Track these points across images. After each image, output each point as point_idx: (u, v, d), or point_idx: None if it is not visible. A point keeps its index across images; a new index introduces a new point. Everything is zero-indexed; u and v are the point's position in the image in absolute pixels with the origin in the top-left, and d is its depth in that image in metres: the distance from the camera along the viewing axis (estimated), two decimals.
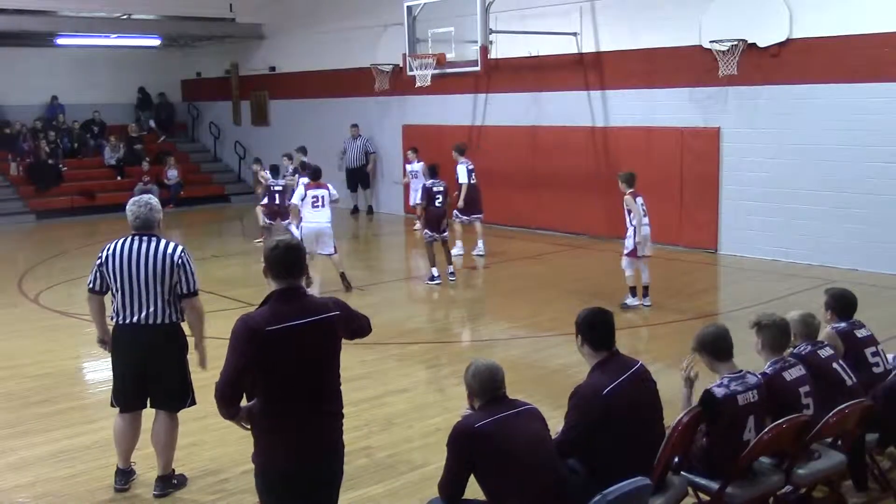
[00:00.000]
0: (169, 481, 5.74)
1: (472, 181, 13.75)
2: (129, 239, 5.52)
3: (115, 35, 21.23)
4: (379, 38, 18.24)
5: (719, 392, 4.56)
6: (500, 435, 4.02)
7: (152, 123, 24.30)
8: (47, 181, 20.31)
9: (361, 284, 12.08)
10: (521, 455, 4.01)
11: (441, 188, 12.21)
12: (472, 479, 4.06)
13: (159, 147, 23.27)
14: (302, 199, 11.70)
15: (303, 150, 16.41)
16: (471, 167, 13.81)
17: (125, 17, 20.45)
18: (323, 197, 11.67)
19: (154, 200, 5.66)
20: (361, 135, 19.47)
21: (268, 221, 14.45)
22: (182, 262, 5.51)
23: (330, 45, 19.79)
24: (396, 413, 7.10)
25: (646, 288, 10.30)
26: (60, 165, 20.92)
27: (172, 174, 21.41)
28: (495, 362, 4.28)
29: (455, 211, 13.55)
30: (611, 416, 4.27)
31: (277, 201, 14.33)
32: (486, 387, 4.18)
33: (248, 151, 22.57)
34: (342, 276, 11.69)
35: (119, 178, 21.42)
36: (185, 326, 5.70)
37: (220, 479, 5.91)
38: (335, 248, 11.75)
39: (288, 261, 3.97)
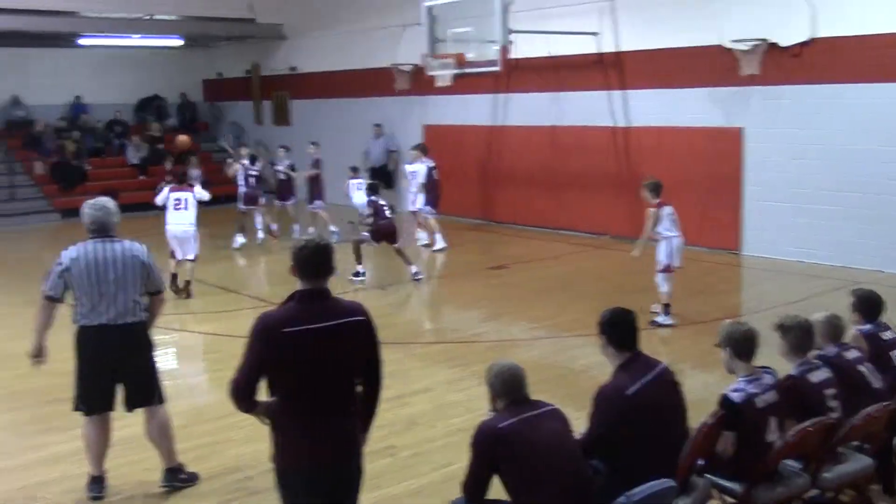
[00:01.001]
0: (175, 473, 5.79)
1: (434, 178, 14.77)
2: (90, 243, 5.54)
3: (137, 35, 21.41)
4: (399, 37, 18.26)
5: (737, 397, 4.53)
6: (523, 435, 4.02)
7: (170, 123, 24.47)
8: (71, 180, 20.48)
9: (383, 284, 12.11)
10: (545, 455, 4.01)
11: (385, 202, 12.52)
12: (495, 479, 4.06)
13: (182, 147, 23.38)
14: (165, 201, 11.67)
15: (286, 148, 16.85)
16: (431, 165, 14.74)
17: (147, 17, 20.58)
18: (186, 199, 11.58)
19: (111, 203, 5.71)
20: (384, 134, 19.51)
21: (243, 207, 15.54)
22: (149, 261, 5.64)
23: (350, 45, 19.83)
24: (419, 413, 7.12)
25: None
26: (84, 165, 21.09)
27: (195, 174, 21.48)
28: (516, 363, 4.29)
29: (426, 206, 14.62)
30: (634, 417, 4.26)
31: (252, 185, 15.54)
32: (509, 388, 4.18)
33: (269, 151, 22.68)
34: (187, 283, 11.52)
35: (142, 177, 21.57)
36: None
37: (244, 476, 5.94)
38: (196, 255, 11.65)
39: (315, 261, 3.95)
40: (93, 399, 5.61)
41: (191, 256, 11.50)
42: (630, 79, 14.89)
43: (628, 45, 14.77)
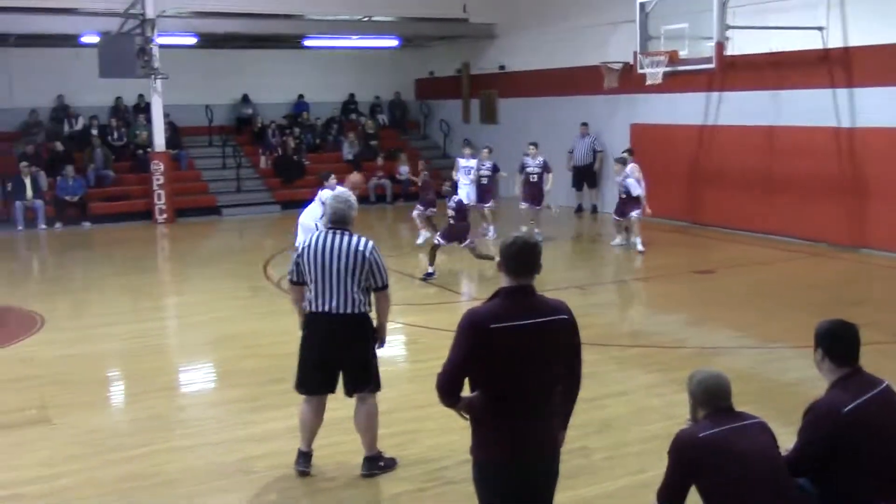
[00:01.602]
0: (375, 462, 5.97)
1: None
2: (325, 233, 5.81)
3: (357, 36, 22.41)
4: (609, 35, 18.04)
5: None
6: (724, 446, 3.89)
7: (383, 120, 25.40)
8: (292, 174, 21.74)
9: (583, 284, 12.01)
10: (747, 468, 3.86)
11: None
12: (692, 490, 3.94)
13: (393, 144, 24.29)
14: None
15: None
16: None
17: (366, 19, 21.51)
18: None
19: (352, 197, 5.95)
20: (590, 133, 19.36)
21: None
22: (372, 257, 5.73)
23: (559, 44, 19.79)
24: (614, 416, 7.00)
25: None
26: (304, 160, 22.34)
27: (404, 170, 22.25)
28: (721, 372, 4.13)
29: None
30: (850, 437, 4.00)
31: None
32: (712, 397, 4.05)
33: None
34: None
35: (355, 171, 22.54)
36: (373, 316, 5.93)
37: (440, 466, 6.06)
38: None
39: (521, 258, 3.95)
40: (310, 382, 5.92)
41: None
42: (858, 76, 13.90)
43: (858, 39, 13.80)
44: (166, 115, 20.02)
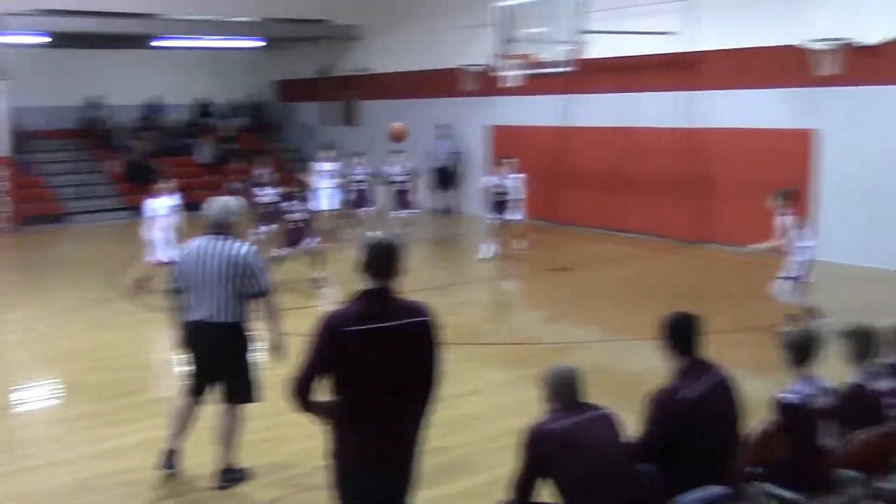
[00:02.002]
0: (229, 473, 5.82)
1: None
2: (202, 239, 5.64)
3: (213, 37, 21.85)
4: (469, 38, 18.24)
5: (791, 398, 4.44)
6: (574, 438, 4.00)
7: (242, 123, 24.90)
8: (143, 178, 20.96)
9: (443, 284, 12.10)
10: (596, 459, 3.98)
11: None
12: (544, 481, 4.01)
13: (253, 147, 23.79)
14: None
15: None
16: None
17: (224, 19, 20.99)
18: None
19: (233, 203, 5.78)
20: (448, 136, 19.55)
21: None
22: (248, 262, 5.55)
23: (421, 46, 19.92)
24: (471, 414, 7.09)
25: (811, 310, 9.15)
26: (155, 164, 21.57)
27: (261, 172, 21.77)
28: (574, 366, 4.23)
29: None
30: (690, 422, 4.21)
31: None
32: (563, 390, 4.16)
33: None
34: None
35: (212, 176, 21.97)
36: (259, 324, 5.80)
37: (299, 472, 5.99)
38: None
39: (380, 260, 3.94)
40: (193, 385, 5.78)
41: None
42: (704, 79, 14.60)
43: (704, 45, 14.47)
44: (13, 118, 18.99)
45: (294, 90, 25.54)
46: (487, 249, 13.89)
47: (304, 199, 12.64)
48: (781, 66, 13.22)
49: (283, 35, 22.60)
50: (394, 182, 15.22)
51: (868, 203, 12.52)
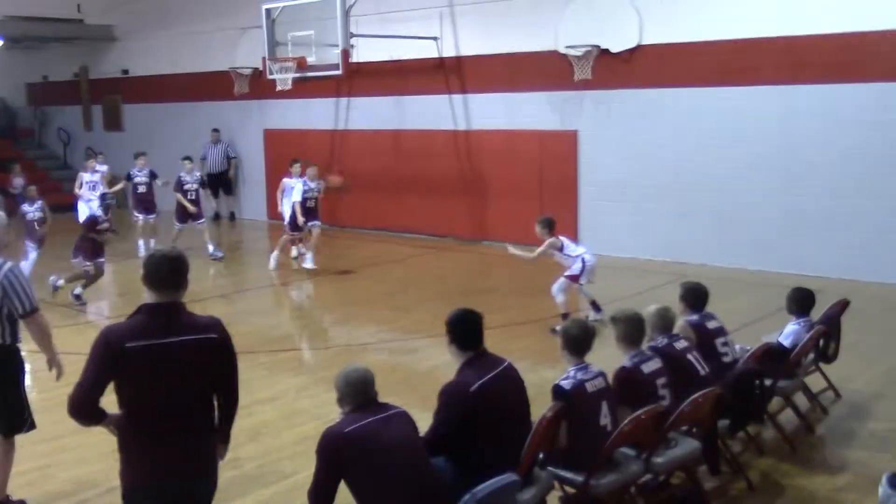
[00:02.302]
0: None
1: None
2: None
3: None
4: (237, 40, 17.90)
5: (567, 384, 4.73)
6: (369, 439, 4.01)
7: None
8: None
9: (225, 292, 11.82)
10: (391, 459, 4.01)
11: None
12: (342, 486, 4.03)
13: (4, 154, 22.04)
14: None
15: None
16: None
17: None
18: None
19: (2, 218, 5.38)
20: (222, 140, 19.08)
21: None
22: (7, 280, 5.11)
23: (187, 48, 19.26)
24: (265, 422, 6.99)
25: (594, 302, 9.87)
26: None
27: (18, 182, 20.26)
28: (365, 367, 4.28)
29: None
30: (479, 413, 4.35)
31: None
32: (356, 392, 4.17)
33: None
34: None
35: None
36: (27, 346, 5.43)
37: (78, 499, 5.65)
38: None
39: (163, 273, 3.81)
40: None
41: None
42: (471, 83, 15.17)
43: (468, 49, 15.06)
44: None
45: (49, 93, 23.90)
46: (275, 258, 13.58)
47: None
48: (545, 71, 14.00)
49: (31, 34, 21.04)
50: (187, 191, 14.41)
51: (627, 198, 13.51)
